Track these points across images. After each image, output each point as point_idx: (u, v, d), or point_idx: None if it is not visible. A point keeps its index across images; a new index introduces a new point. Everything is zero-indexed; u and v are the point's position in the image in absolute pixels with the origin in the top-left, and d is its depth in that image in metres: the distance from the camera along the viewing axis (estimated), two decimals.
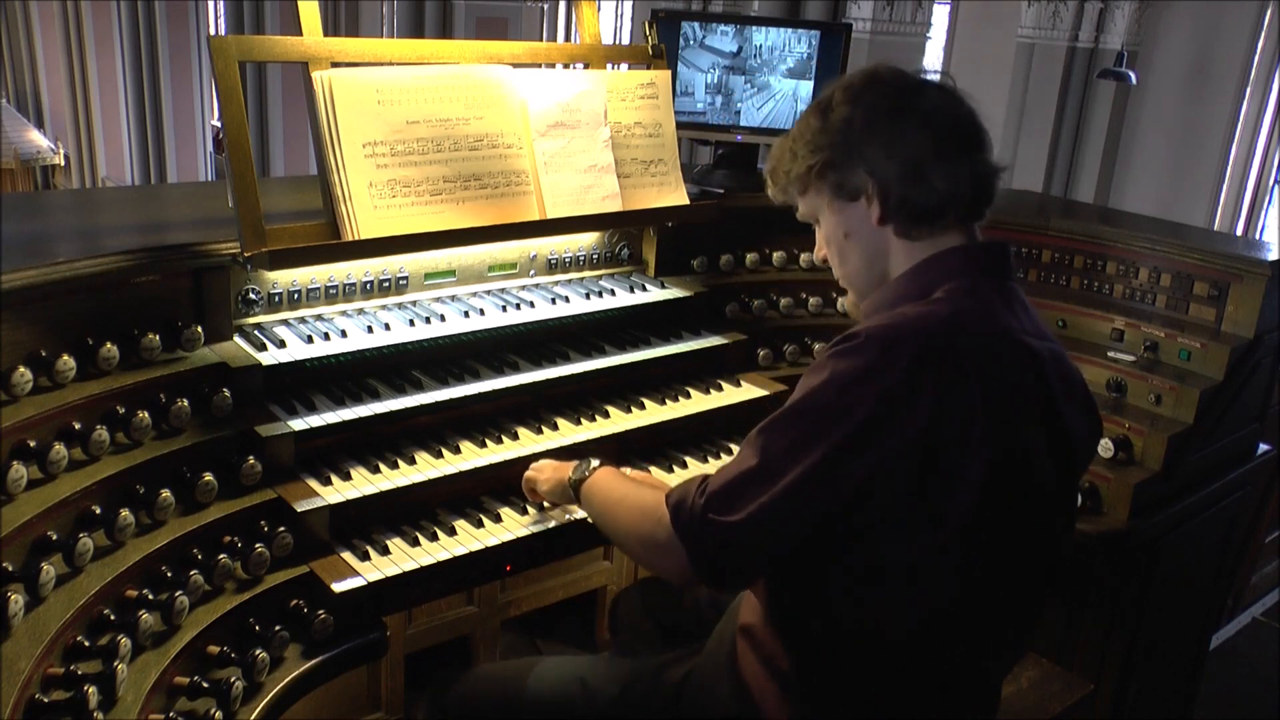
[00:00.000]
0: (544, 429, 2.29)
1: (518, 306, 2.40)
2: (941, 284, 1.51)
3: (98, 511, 1.75)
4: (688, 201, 2.70)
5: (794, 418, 1.44)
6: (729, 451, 2.46)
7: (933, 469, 1.38)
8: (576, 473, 1.89)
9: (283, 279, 2.19)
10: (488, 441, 2.21)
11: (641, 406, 2.45)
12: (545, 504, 2.10)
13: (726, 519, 1.43)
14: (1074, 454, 1.56)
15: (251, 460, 1.93)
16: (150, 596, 1.71)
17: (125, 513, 1.75)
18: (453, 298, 2.42)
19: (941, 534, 1.40)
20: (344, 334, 2.16)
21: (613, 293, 2.58)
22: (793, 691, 1.59)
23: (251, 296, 2.16)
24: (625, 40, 10.52)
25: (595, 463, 1.89)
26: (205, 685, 1.66)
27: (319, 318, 2.24)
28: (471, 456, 2.16)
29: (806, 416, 1.43)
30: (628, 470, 1.89)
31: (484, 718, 1.91)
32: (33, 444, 1.72)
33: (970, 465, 1.38)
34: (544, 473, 2.04)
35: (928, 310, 1.46)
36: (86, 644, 1.60)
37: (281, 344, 2.11)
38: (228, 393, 1.98)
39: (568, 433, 2.30)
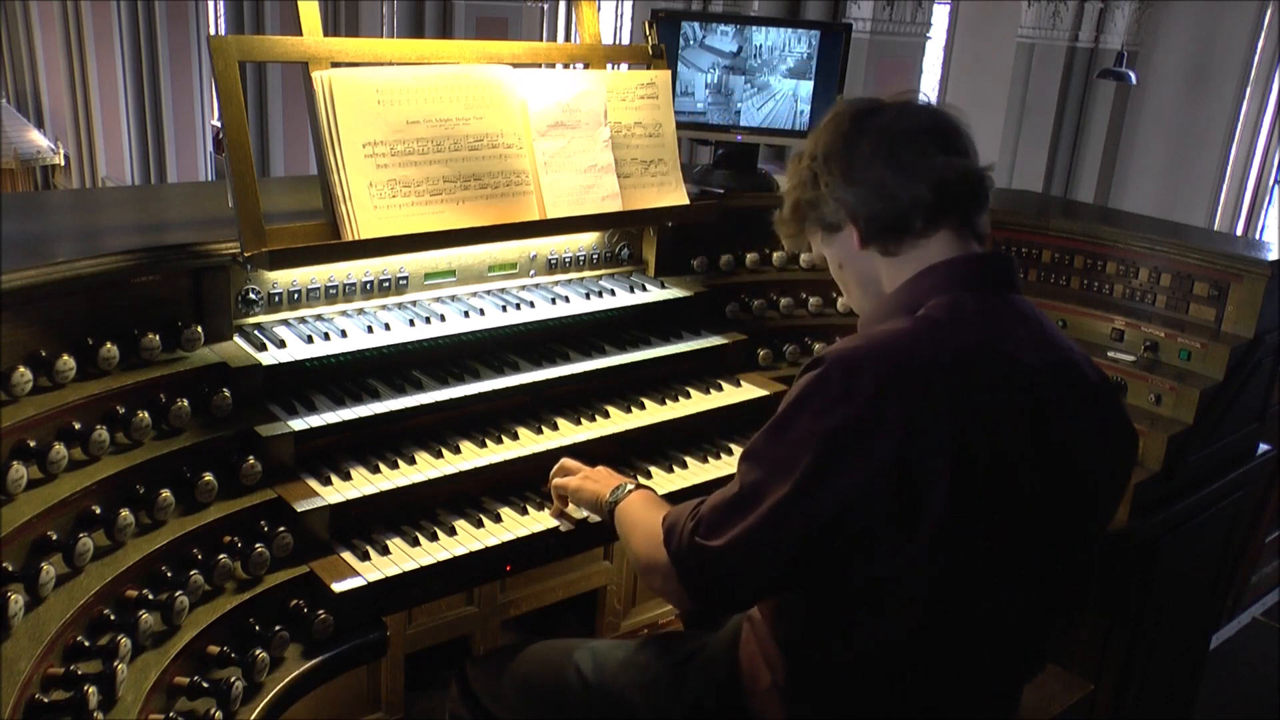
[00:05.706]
0: (544, 429, 2.29)
1: (518, 306, 2.40)
2: (927, 299, 1.51)
3: (98, 511, 1.75)
4: (688, 201, 2.69)
5: (770, 444, 1.46)
6: (729, 452, 2.46)
7: (909, 487, 1.36)
8: (613, 495, 1.87)
9: (283, 279, 2.19)
10: (488, 441, 2.21)
11: (641, 406, 2.45)
12: (569, 508, 2.09)
13: (710, 544, 1.47)
14: (1072, 462, 1.50)
15: (251, 460, 1.93)
16: (150, 596, 1.71)
17: (125, 513, 1.75)
18: (453, 298, 2.42)
19: (913, 547, 1.38)
20: (344, 334, 2.16)
21: (613, 293, 2.58)
22: (783, 691, 1.60)
23: (251, 296, 2.16)
24: (625, 40, 10.52)
25: (630, 486, 1.88)
26: (205, 685, 1.66)
27: (319, 318, 2.24)
28: (471, 456, 2.16)
29: (781, 444, 1.44)
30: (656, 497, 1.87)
31: (531, 693, 1.92)
32: (33, 444, 1.72)
33: (939, 480, 1.36)
34: (583, 487, 1.99)
35: (895, 329, 1.46)
36: (86, 644, 1.60)
37: (281, 344, 2.11)
38: (228, 393, 1.98)
39: (568, 433, 2.30)
